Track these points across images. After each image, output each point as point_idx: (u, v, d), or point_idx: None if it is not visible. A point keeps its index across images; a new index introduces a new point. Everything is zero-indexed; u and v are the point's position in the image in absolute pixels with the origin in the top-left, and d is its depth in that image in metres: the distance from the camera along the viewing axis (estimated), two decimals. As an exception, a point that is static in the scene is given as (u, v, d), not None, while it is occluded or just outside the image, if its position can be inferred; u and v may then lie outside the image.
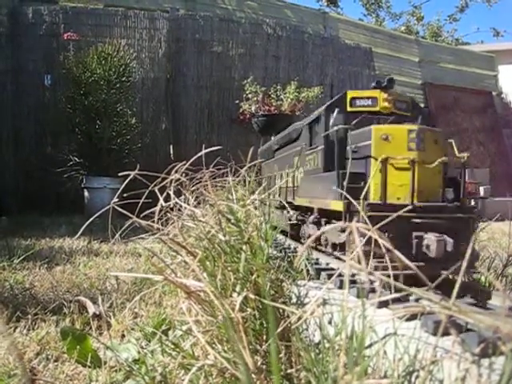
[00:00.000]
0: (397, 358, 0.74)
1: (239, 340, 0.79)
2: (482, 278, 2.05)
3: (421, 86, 11.94)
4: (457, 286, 0.55)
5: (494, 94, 12.85)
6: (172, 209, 1.23)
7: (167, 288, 1.89)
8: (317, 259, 2.16)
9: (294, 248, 2.54)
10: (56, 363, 1.40)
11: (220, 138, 8.26)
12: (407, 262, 0.56)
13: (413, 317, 1.06)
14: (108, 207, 1.16)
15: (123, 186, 1.22)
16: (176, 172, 1.21)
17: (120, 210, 1.14)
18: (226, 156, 1.67)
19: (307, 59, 9.18)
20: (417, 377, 0.73)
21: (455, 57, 13.06)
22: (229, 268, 1.03)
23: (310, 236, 2.42)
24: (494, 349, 0.65)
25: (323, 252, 2.32)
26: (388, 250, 0.60)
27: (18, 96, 7.36)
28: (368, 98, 2.34)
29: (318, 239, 2.31)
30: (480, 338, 0.85)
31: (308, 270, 1.52)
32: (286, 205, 2.78)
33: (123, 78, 6.79)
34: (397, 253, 0.57)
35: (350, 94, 2.40)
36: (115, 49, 6.79)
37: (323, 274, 1.82)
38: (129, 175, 1.21)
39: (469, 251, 0.62)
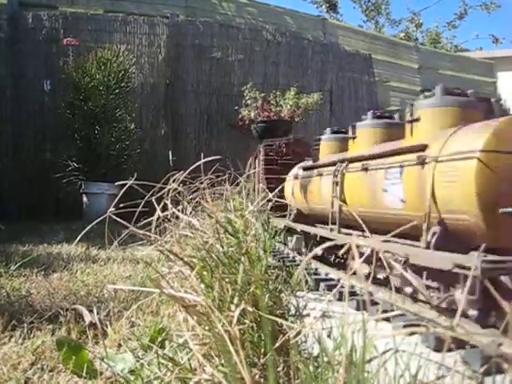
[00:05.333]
0: (398, 374, 0.73)
1: (236, 354, 0.77)
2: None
3: (420, 93, 11.95)
4: (460, 306, 0.53)
5: (492, 100, 12.84)
6: (169, 219, 1.22)
7: (165, 297, 1.88)
8: (315, 269, 2.14)
9: (293, 257, 2.52)
10: (51, 374, 1.38)
11: (219, 143, 8.24)
12: (410, 278, 0.54)
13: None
14: (105, 215, 1.15)
15: (121, 193, 1.20)
16: (174, 181, 1.19)
17: (117, 219, 1.12)
18: (225, 162, 1.66)
19: (307, 65, 9.19)
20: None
21: (454, 63, 13.07)
22: (226, 279, 1.02)
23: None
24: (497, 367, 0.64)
25: None
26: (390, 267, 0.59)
27: (17, 101, 7.35)
28: None
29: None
30: (483, 355, 0.84)
31: (307, 281, 1.51)
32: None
33: (122, 84, 6.79)
34: (400, 269, 0.56)
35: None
36: (115, 54, 6.79)
37: (322, 284, 1.80)
38: (126, 183, 1.20)
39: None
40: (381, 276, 1.90)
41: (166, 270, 1.20)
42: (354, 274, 0.72)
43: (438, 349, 1.09)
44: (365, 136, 2.96)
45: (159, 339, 1.44)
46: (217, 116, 8.38)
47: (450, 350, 0.77)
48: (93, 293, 2.28)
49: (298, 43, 9.16)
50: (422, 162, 1.97)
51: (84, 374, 1.31)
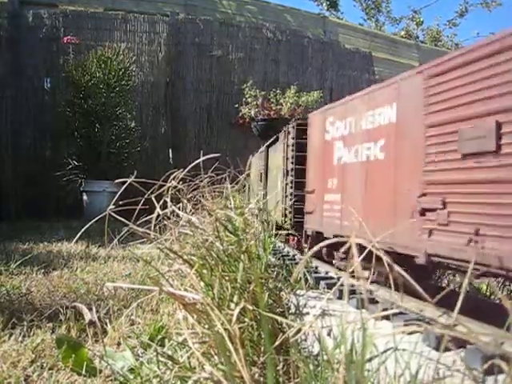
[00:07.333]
0: (398, 373, 0.72)
1: (235, 353, 0.77)
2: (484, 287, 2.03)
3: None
4: (459, 302, 0.53)
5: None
6: (169, 217, 1.21)
7: (164, 295, 1.87)
8: (316, 267, 2.14)
9: (293, 255, 2.52)
10: (51, 371, 1.37)
11: (219, 142, 8.25)
12: (408, 277, 0.54)
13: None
14: (105, 213, 1.15)
15: (120, 191, 1.20)
16: (174, 179, 1.19)
17: (117, 216, 1.12)
18: (225, 160, 1.66)
19: (307, 63, 9.18)
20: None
21: (455, 62, 13.05)
22: (226, 278, 1.02)
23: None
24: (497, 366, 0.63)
25: None
26: (388, 265, 0.59)
27: (17, 99, 7.34)
28: None
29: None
30: (484, 355, 0.83)
31: (307, 279, 1.50)
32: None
33: (123, 82, 6.79)
34: (397, 268, 0.56)
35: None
36: (115, 52, 6.79)
37: (322, 283, 1.80)
38: (126, 181, 1.20)
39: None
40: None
41: (165, 268, 1.20)
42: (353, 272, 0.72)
43: (438, 348, 1.09)
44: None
45: (159, 337, 1.43)
46: (217, 114, 8.38)
47: (450, 349, 0.76)
48: (93, 291, 2.28)
49: (299, 41, 9.15)
50: None
51: (83, 372, 1.31)
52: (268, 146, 4.36)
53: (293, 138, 3.18)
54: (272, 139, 4.15)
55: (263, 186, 4.30)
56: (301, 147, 3.11)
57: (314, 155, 2.93)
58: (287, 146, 3.31)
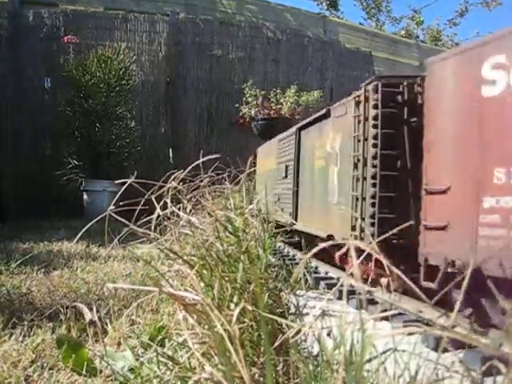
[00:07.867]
0: (397, 374, 0.73)
1: (235, 353, 0.77)
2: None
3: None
4: (457, 305, 0.53)
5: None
6: (169, 218, 1.22)
7: (164, 295, 1.88)
8: (316, 267, 2.14)
9: (293, 255, 2.50)
10: (51, 371, 1.38)
11: (219, 141, 8.25)
12: (405, 278, 0.54)
13: (413, 330, 1.04)
14: (105, 213, 1.15)
15: (121, 191, 1.20)
16: (174, 179, 1.19)
17: (117, 217, 1.12)
18: (225, 160, 1.66)
19: (307, 63, 9.17)
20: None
21: (455, 61, 13.02)
22: (226, 278, 1.02)
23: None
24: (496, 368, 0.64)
25: None
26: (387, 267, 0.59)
27: (17, 99, 7.34)
28: None
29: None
30: (482, 356, 0.83)
31: (307, 280, 1.51)
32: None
33: (123, 81, 6.79)
34: (395, 270, 0.56)
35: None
36: (115, 52, 6.79)
37: (322, 283, 1.80)
38: (126, 181, 1.20)
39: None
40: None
41: (165, 268, 1.20)
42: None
43: (437, 348, 1.09)
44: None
45: (159, 337, 1.44)
46: (217, 114, 8.39)
47: (448, 350, 0.77)
48: (93, 291, 2.28)
49: (299, 41, 9.14)
50: None
51: (84, 372, 1.31)
52: (300, 129, 3.37)
53: (375, 108, 2.06)
54: (310, 119, 3.12)
55: (293, 183, 3.36)
56: (389, 122, 2.03)
57: (448, 128, 1.76)
58: (365, 119, 2.16)
